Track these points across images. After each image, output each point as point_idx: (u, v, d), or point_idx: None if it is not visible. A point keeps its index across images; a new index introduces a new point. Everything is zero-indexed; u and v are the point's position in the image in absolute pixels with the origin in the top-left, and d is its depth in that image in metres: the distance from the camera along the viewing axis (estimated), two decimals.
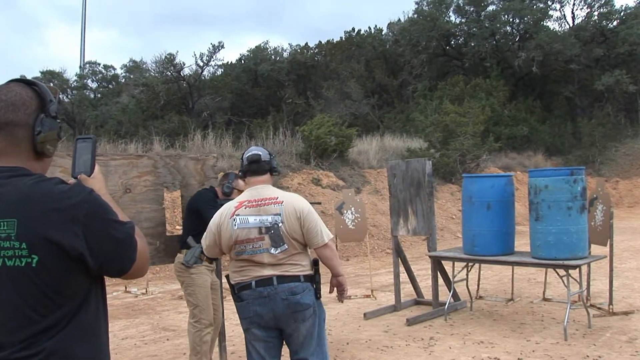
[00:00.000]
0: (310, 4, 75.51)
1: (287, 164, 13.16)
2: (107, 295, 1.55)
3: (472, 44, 24.99)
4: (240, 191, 3.52)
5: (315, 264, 2.98)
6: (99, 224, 1.39)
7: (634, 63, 23.15)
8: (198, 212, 3.94)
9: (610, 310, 5.54)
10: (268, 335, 2.93)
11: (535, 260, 5.26)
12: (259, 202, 2.91)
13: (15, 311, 1.33)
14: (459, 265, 5.91)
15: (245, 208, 2.91)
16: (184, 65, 22.88)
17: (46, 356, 1.33)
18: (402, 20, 27.34)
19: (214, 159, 4.54)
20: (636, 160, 20.72)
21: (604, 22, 24.54)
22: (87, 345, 1.41)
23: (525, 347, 4.71)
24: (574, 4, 25.80)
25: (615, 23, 24.47)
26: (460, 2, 25.16)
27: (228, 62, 26.75)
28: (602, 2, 24.63)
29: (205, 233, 3.05)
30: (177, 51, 47.60)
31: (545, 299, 6.30)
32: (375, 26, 29.58)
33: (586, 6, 25.36)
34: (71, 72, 37.57)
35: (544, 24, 25.00)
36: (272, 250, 2.85)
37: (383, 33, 28.89)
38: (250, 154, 3.05)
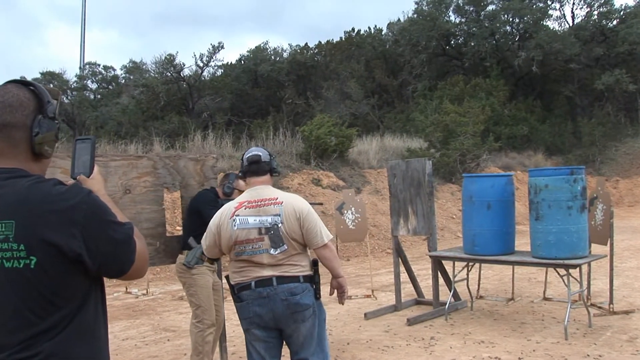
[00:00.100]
0: (310, 4, 75.58)
1: (287, 164, 13.15)
2: (108, 296, 1.55)
3: (472, 44, 25.00)
4: (241, 191, 3.52)
5: (314, 264, 2.98)
6: (97, 225, 1.38)
7: (634, 62, 23.15)
8: (199, 212, 3.94)
9: (611, 310, 5.54)
10: (268, 335, 2.93)
11: (535, 260, 5.26)
12: (259, 203, 2.91)
13: (14, 313, 1.33)
14: (459, 265, 5.90)
15: (245, 209, 2.91)
16: (184, 65, 22.94)
17: (45, 357, 1.33)
18: (402, 20, 27.39)
19: (214, 160, 4.53)
20: (636, 160, 20.72)
21: (604, 22, 24.55)
22: (86, 346, 1.41)
23: (525, 347, 4.71)
24: (573, 4, 25.83)
25: (615, 22, 24.49)
26: (459, 1, 25.17)
27: (228, 62, 26.83)
28: (602, 1, 24.64)
29: (205, 233, 3.06)
30: (177, 52, 47.80)
31: (545, 299, 6.30)
32: (375, 26, 29.65)
33: (586, 5, 25.38)
34: (71, 73, 37.56)
35: (544, 23, 25.00)
36: (272, 251, 2.85)
37: (383, 33, 28.91)
38: (250, 154, 3.05)
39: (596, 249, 5.64)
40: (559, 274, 5.24)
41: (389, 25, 28.67)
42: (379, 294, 7.10)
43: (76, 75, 26.63)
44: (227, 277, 3.06)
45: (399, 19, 28.20)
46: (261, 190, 2.97)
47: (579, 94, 24.36)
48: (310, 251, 3.01)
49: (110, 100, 25.20)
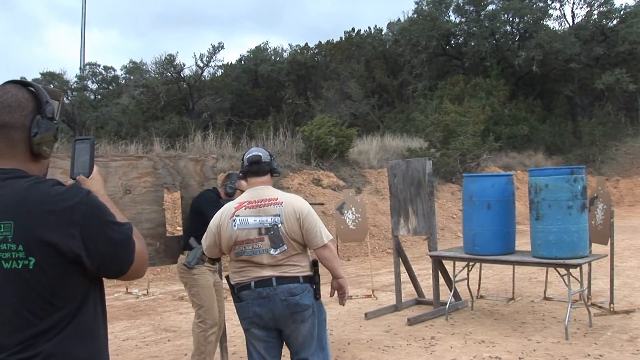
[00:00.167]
0: (310, 4, 75.59)
1: (287, 164, 13.15)
2: (108, 297, 1.55)
3: (472, 44, 25.00)
4: (243, 192, 3.52)
5: (314, 264, 2.98)
6: (96, 226, 1.38)
7: (634, 62, 23.14)
8: (201, 212, 3.94)
9: (611, 309, 5.53)
10: (268, 335, 2.93)
11: (536, 260, 5.26)
12: (259, 203, 2.91)
13: (13, 313, 1.32)
14: (459, 264, 5.90)
15: (245, 209, 2.91)
16: (184, 66, 22.94)
17: (44, 358, 1.33)
18: (402, 20, 27.40)
19: (214, 160, 4.53)
20: (636, 159, 20.71)
21: (604, 21, 24.54)
22: (85, 347, 1.40)
23: (526, 347, 4.71)
24: (573, 3, 25.82)
25: (615, 22, 24.47)
26: (460, 1, 25.16)
27: (228, 62, 26.85)
28: (602, 0, 24.63)
29: (205, 233, 3.06)
30: (177, 52, 47.77)
31: (546, 298, 6.30)
32: (375, 26, 29.65)
33: (586, 5, 25.36)
34: (71, 74, 37.53)
35: (544, 23, 25.00)
36: (272, 251, 2.85)
37: (383, 33, 28.91)
38: (250, 155, 3.05)
39: (596, 248, 5.63)
40: (559, 273, 5.23)
41: (389, 25, 28.72)
42: (380, 294, 7.10)
43: (76, 76, 26.68)
44: (227, 277, 3.06)
45: (399, 18, 28.27)
46: (261, 190, 2.97)
47: (579, 93, 24.35)
48: (310, 251, 3.00)
49: (110, 100, 25.21)
